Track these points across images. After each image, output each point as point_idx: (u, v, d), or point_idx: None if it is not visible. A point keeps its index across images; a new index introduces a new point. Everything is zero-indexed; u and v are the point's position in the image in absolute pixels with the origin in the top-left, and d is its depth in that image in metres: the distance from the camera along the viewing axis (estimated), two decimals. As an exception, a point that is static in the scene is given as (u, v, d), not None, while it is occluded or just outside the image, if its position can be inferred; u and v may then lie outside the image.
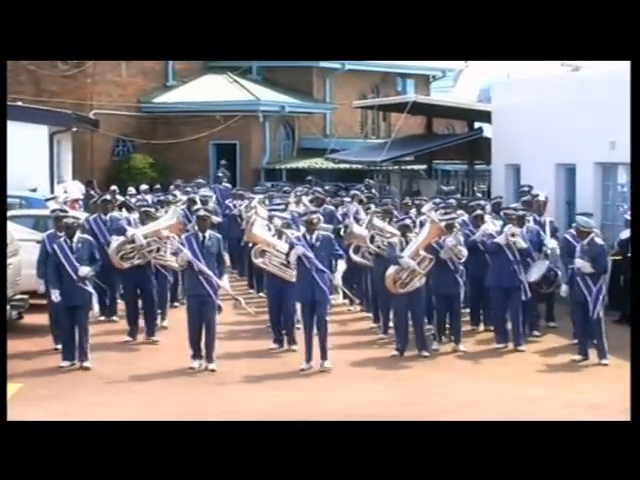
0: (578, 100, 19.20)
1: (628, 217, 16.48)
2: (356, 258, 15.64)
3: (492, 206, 16.90)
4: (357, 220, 16.64)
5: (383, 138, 33.61)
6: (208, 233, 13.13)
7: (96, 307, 13.33)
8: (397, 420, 10.42)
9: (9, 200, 17.60)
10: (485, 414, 10.73)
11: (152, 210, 15.55)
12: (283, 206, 17.33)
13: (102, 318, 15.54)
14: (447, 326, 14.32)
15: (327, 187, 23.21)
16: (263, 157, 32.90)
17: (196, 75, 33.44)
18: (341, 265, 13.44)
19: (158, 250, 14.74)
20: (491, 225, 14.98)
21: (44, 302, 14.09)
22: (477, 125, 27.56)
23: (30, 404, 10.90)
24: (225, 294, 13.74)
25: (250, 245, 15.16)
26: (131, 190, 24.13)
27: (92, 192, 23.81)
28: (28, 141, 22.88)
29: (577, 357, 13.31)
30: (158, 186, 25.52)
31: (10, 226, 14.66)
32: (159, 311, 15.48)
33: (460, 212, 16.35)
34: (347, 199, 19.45)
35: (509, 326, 14.28)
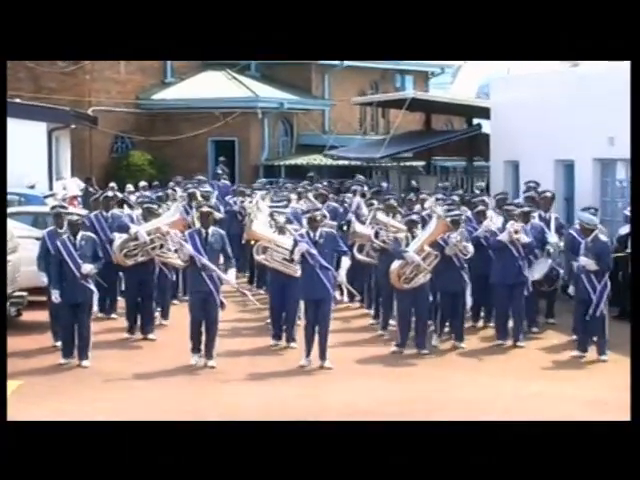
0: (577, 96, 19.19)
1: (627, 213, 16.48)
2: (360, 257, 15.63)
3: (497, 202, 16.88)
4: (358, 216, 16.64)
5: (382, 134, 33.61)
6: (211, 229, 13.11)
7: (95, 306, 13.30)
8: (397, 417, 10.45)
9: (8, 197, 17.58)
10: (485, 410, 10.74)
11: (155, 207, 15.50)
12: (285, 202, 17.34)
13: (100, 315, 15.53)
14: (446, 323, 14.30)
15: (325, 183, 23.18)
16: (262, 154, 32.90)
17: (194, 72, 33.43)
18: (345, 262, 13.37)
19: (161, 247, 14.69)
20: (493, 221, 14.94)
21: (43, 299, 14.09)
22: (476, 121, 27.55)
23: (29, 401, 10.90)
24: (228, 291, 13.73)
25: (252, 242, 15.12)
26: (129, 187, 24.13)
27: (91, 189, 23.80)
28: (27, 138, 22.88)
29: (576, 353, 13.31)
30: (157, 183, 25.53)
31: (9, 223, 14.64)
32: (159, 309, 15.48)
33: (463, 208, 16.35)
34: (349, 194, 19.46)
35: (510, 323, 14.26)
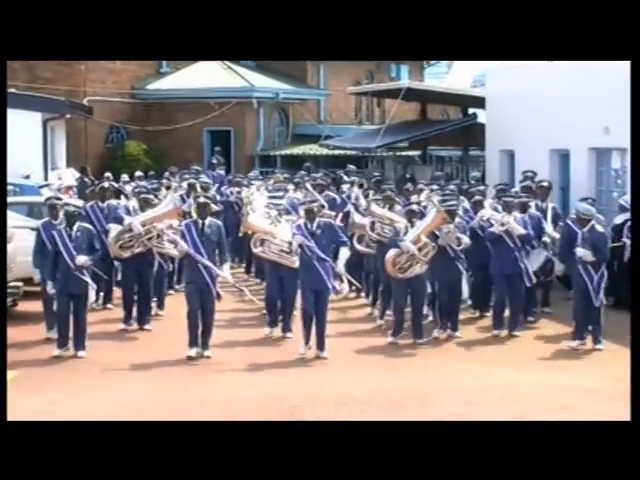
0: (572, 86, 19.20)
1: (622, 202, 16.51)
2: (360, 247, 15.63)
3: (497, 192, 16.86)
4: (356, 207, 16.63)
5: (377, 124, 33.60)
6: (208, 220, 13.07)
7: (92, 296, 13.26)
8: (393, 406, 10.48)
9: (3, 188, 17.56)
10: (480, 399, 10.77)
11: (151, 197, 15.45)
12: (282, 192, 17.31)
13: (95, 306, 15.52)
14: (445, 314, 14.25)
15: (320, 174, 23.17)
16: (257, 143, 32.89)
17: (190, 62, 33.38)
18: (344, 252, 13.31)
19: (158, 237, 14.65)
20: (489, 211, 14.92)
21: (38, 289, 14.08)
22: (471, 111, 27.57)
23: (25, 391, 10.90)
24: (224, 282, 13.72)
25: (249, 233, 15.08)
26: (124, 177, 24.10)
27: (86, 179, 23.78)
28: (22, 128, 22.83)
29: (574, 344, 13.26)
30: (152, 173, 25.50)
31: (3, 213, 14.63)
32: (155, 299, 15.47)
33: (461, 198, 16.34)
34: (346, 185, 19.45)
35: (507, 312, 14.26)
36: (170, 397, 10.94)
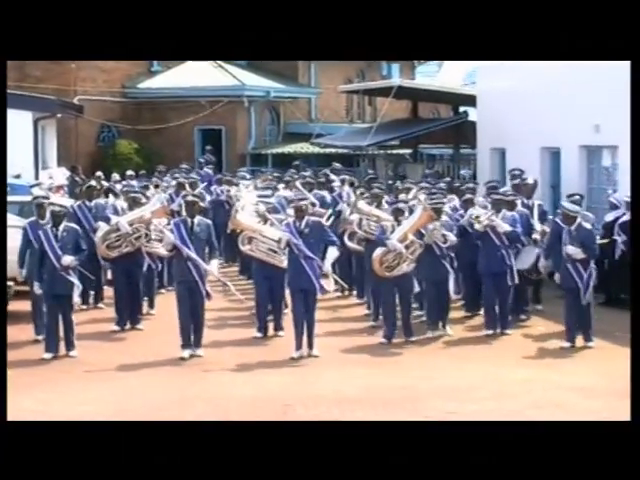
0: (563, 84, 19.22)
1: (613, 200, 16.54)
2: (350, 244, 15.61)
3: (487, 190, 16.88)
4: (348, 205, 16.62)
5: (369, 122, 33.62)
6: (197, 219, 13.03)
7: (76, 298, 13.12)
8: (385, 404, 10.49)
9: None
10: (471, 397, 10.78)
11: (139, 196, 15.41)
12: (270, 191, 17.29)
13: (85, 307, 15.51)
14: (435, 312, 14.24)
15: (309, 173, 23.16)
16: (249, 142, 32.87)
17: (181, 61, 33.36)
18: (332, 252, 13.23)
19: (146, 236, 14.62)
20: (478, 209, 14.92)
21: (27, 289, 14.04)
22: (462, 109, 27.58)
23: (16, 391, 10.86)
24: (215, 281, 13.70)
25: (238, 231, 15.07)
26: (115, 176, 24.07)
27: (77, 178, 23.75)
28: (12, 127, 22.74)
29: (566, 344, 13.21)
30: (143, 172, 25.47)
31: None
32: (146, 298, 15.44)
33: (451, 196, 16.33)
34: (337, 183, 19.45)
35: (497, 310, 14.25)
36: (161, 396, 10.92)
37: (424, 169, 27.00)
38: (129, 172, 24.78)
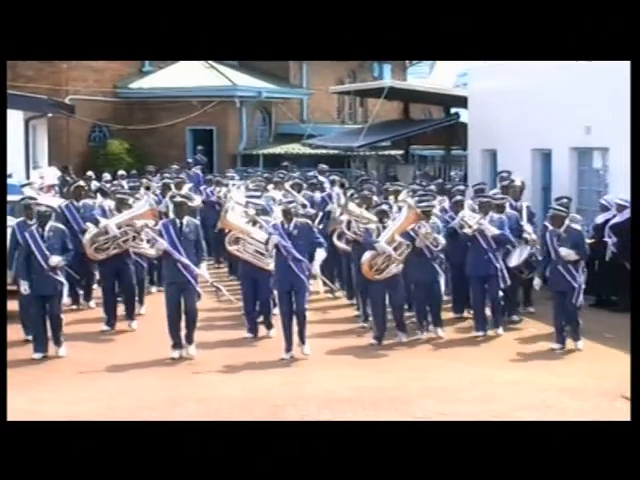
0: (554, 85, 19.26)
1: (603, 202, 16.57)
2: (339, 244, 15.60)
3: (475, 192, 16.89)
4: (338, 206, 16.60)
5: (360, 123, 33.65)
6: (186, 219, 12.99)
7: (65, 298, 13.10)
8: (375, 405, 10.50)
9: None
10: (461, 397, 10.80)
11: (127, 197, 15.38)
12: (260, 192, 17.28)
13: (74, 307, 15.48)
14: (424, 315, 14.24)
15: (298, 173, 23.17)
16: (240, 143, 32.89)
17: (172, 60, 33.35)
18: (320, 254, 13.16)
19: (134, 239, 14.59)
20: (468, 212, 14.92)
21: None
22: (454, 110, 27.63)
23: (7, 390, 10.85)
24: (204, 281, 13.70)
25: (226, 231, 15.06)
26: (106, 176, 24.04)
27: (68, 178, 23.72)
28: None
29: (556, 346, 13.19)
30: (134, 172, 25.46)
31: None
32: (136, 298, 15.41)
33: (441, 198, 16.33)
34: (327, 184, 19.46)
35: (487, 312, 14.27)
36: (151, 396, 10.92)
37: (415, 170, 27.02)
38: (120, 172, 24.77)
